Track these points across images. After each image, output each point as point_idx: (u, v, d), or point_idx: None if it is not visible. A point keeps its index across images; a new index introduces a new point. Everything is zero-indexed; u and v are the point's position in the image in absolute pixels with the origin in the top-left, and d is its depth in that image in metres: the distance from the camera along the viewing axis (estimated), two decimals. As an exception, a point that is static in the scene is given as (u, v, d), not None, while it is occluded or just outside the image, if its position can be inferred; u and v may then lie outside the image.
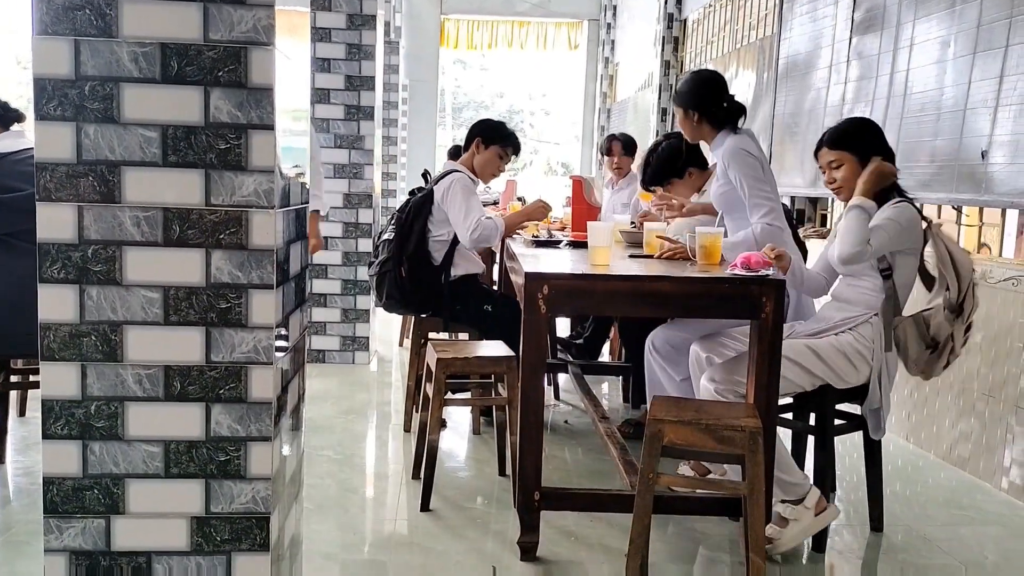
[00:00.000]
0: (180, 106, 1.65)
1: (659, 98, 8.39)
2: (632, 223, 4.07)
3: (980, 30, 3.53)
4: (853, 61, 4.68)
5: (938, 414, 3.80)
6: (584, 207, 4.21)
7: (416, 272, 3.67)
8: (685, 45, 8.34)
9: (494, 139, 3.81)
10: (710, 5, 7.50)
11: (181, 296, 1.69)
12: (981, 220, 3.72)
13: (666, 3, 8.40)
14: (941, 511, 3.20)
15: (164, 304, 1.69)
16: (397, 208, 3.88)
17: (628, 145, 5.49)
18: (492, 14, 12.44)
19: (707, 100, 3.06)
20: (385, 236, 3.78)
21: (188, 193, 1.67)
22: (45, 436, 1.71)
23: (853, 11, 4.67)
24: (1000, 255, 3.62)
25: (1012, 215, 3.58)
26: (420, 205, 3.69)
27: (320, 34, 4.94)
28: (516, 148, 3.88)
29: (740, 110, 3.09)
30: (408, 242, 3.66)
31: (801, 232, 4.02)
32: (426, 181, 3.85)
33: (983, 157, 3.44)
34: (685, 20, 8.34)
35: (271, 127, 1.67)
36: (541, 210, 3.77)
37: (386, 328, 6.24)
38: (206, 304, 1.70)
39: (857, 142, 2.78)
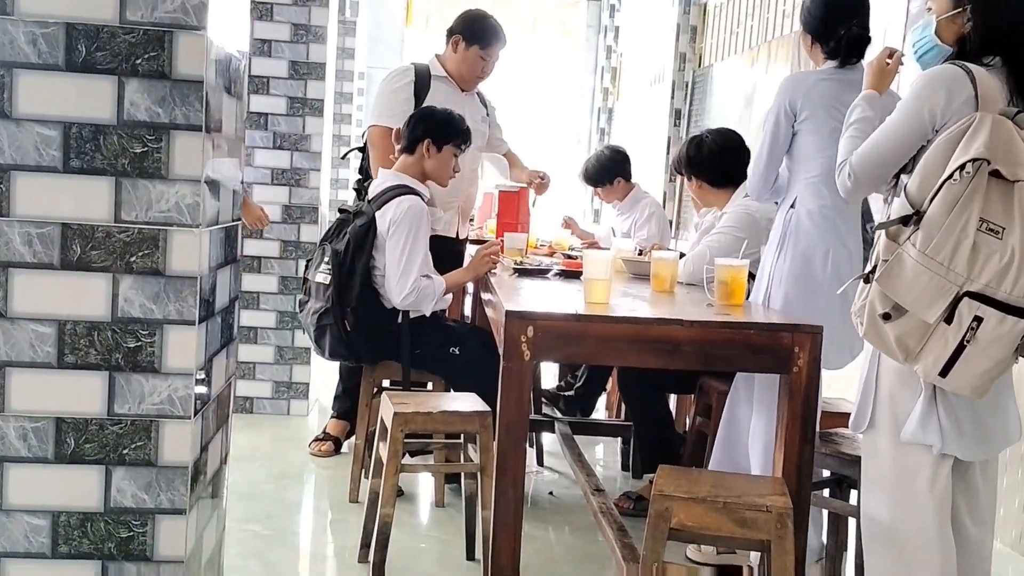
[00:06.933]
0: (87, 100, 1.66)
1: (672, 97, 8.49)
2: (638, 251, 4.10)
3: None
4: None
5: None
6: (513, 222, 4.41)
7: (364, 322, 3.56)
8: (704, 35, 8.46)
9: (447, 138, 3.75)
10: (736, -13, 7.64)
11: (80, 332, 1.69)
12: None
13: (683, -17, 8.55)
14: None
15: (58, 342, 1.69)
16: (323, 234, 3.76)
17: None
18: (469, -12, 12.59)
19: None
20: (319, 277, 3.63)
21: (93, 206, 1.67)
22: (-98, 504, 1.69)
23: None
24: None
25: None
26: (361, 238, 3.55)
27: (260, 11, 4.97)
28: (468, 141, 3.85)
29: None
30: (348, 290, 3.54)
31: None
32: (359, 196, 3.73)
33: None
34: (705, 5, 8.48)
35: (199, 128, 1.68)
36: (487, 262, 3.63)
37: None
38: (110, 343, 1.70)
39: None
